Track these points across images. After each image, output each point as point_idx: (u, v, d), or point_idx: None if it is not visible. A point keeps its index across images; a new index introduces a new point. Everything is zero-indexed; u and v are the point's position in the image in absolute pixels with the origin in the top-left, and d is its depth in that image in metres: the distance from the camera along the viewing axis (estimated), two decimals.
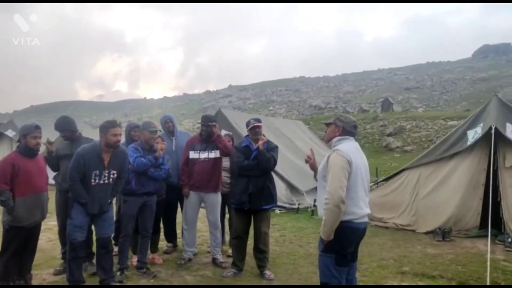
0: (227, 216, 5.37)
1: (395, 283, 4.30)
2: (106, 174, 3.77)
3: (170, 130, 5.16)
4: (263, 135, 4.52)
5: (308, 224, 7.26)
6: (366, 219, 2.91)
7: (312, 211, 8.18)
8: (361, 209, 2.82)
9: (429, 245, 5.92)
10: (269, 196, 4.44)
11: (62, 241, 4.33)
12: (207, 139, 4.69)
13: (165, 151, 4.36)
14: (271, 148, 4.48)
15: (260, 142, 4.33)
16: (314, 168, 3.19)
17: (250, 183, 4.35)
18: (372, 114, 32.71)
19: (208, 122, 4.66)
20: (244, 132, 4.71)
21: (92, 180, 3.69)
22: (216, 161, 4.73)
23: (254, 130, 4.46)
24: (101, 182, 3.75)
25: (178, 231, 5.30)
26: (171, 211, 5.18)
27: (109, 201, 3.88)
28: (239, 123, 9.08)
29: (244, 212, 4.44)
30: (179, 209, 5.25)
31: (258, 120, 4.56)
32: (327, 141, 3.09)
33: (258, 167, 4.35)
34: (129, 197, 4.23)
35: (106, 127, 3.75)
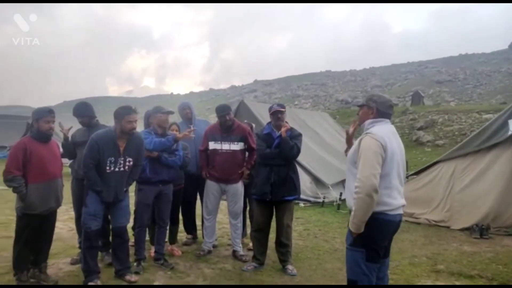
0: (248, 208, 5.15)
1: (429, 283, 3.96)
2: (122, 162, 3.63)
3: (188, 117, 4.98)
4: (286, 122, 4.26)
5: (333, 219, 6.96)
6: (401, 211, 2.58)
7: (338, 205, 7.86)
8: (395, 199, 2.51)
9: (466, 242, 5.50)
10: (292, 186, 4.18)
11: (78, 230, 4.23)
12: (228, 129, 4.49)
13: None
14: (295, 136, 4.21)
15: (283, 129, 4.08)
16: (350, 141, 2.91)
17: (272, 173, 4.11)
18: (401, 108, 31.64)
19: (222, 113, 4.44)
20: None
21: (107, 168, 3.56)
22: (239, 153, 4.53)
23: (276, 115, 4.20)
24: (117, 169, 3.61)
25: (199, 223, 5.14)
26: (190, 201, 5.01)
27: (125, 189, 3.74)
28: (263, 113, 8.84)
29: (266, 203, 4.21)
30: (198, 200, 5.08)
31: (282, 106, 4.30)
32: (360, 124, 2.80)
33: (280, 156, 4.10)
34: (143, 185, 4.07)
35: (121, 114, 3.60)
